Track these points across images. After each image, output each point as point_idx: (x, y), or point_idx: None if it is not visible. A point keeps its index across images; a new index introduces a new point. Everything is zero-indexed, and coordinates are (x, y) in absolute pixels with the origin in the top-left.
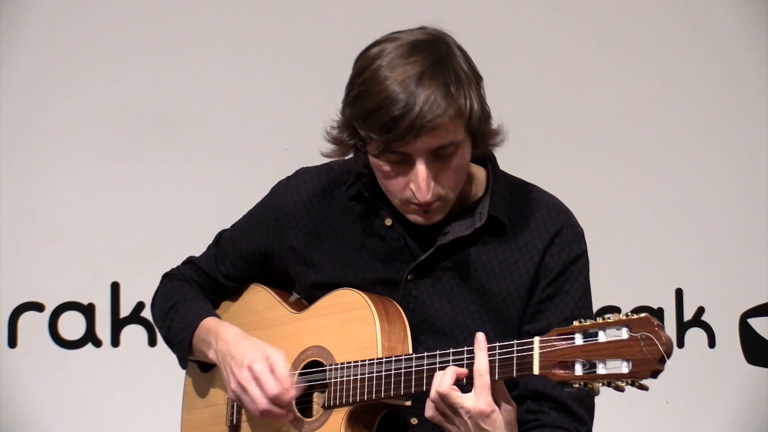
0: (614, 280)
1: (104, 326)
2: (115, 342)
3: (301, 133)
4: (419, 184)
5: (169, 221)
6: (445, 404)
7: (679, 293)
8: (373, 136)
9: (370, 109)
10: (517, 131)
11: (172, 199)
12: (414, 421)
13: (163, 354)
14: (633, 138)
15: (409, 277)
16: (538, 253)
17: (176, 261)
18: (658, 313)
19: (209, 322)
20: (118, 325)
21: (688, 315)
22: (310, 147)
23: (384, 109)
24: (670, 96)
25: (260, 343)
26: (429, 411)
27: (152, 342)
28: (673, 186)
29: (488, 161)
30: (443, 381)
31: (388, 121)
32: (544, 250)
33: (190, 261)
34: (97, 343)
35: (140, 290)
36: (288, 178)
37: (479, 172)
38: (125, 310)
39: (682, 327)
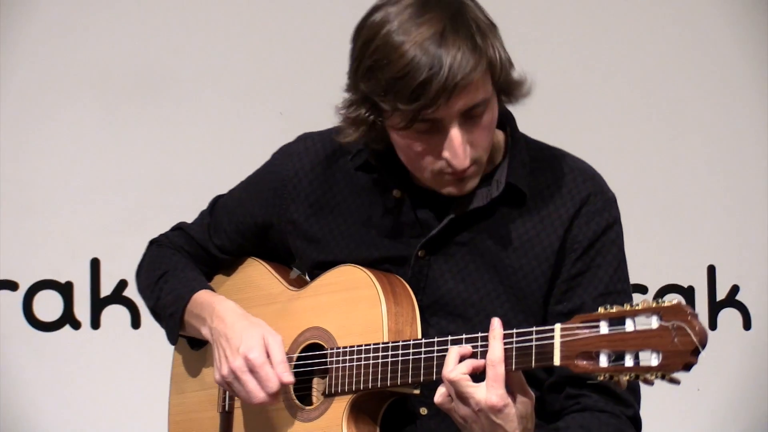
0: (641, 257)
1: (83, 306)
2: (95, 324)
3: (297, 96)
4: (456, 150)
5: (154, 192)
6: (455, 392)
7: (711, 270)
8: (400, 106)
9: (392, 78)
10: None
11: (157, 169)
12: (423, 411)
13: (148, 337)
14: (663, 109)
15: (419, 253)
16: (562, 224)
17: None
18: (689, 292)
19: (203, 296)
20: (98, 305)
21: (721, 294)
22: (307, 111)
23: (408, 76)
24: (696, 67)
25: (259, 325)
26: (438, 397)
27: (135, 324)
28: (704, 157)
29: (507, 123)
30: (457, 367)
31: (415, 87)
32: (570, 221)
33: (180, 228)
34: (76, 325)
35: (122, 267)
36: (289, 144)
37: (497, 136)
38: (106, 289)
39: (715, 307)
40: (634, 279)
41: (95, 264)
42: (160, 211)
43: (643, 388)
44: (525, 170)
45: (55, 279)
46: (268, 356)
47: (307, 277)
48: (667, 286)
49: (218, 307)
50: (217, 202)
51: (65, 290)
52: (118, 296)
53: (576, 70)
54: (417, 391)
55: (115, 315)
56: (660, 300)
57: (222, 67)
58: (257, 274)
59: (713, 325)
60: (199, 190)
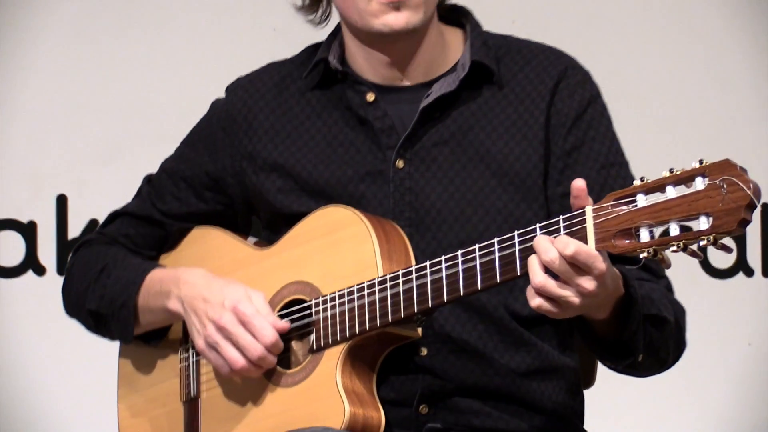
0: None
1: (48, 249)
2: (62, 269)
3: (291, 11)
4: None
5: (131, 119)
6: (575, 268)
7: (765, 209)
8: None
9: None
10: None
11: (134, 92)
12: (424, 351)
13: None
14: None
15: (398, 163)
16: (543, 99)
17: (137, 168)
18: (740, 237)
19: (160, 272)
20: (65, 247)
21: None
22: (302, 27)
23: None
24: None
25: (236, 282)
26: (534, 300)
27: None
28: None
29: (465, 21)
30: (568, 242)
31: None
32: (551, 95)
33: (114, 216)
34: (40, 271)
35: (92, 205)
36: (227, 89)
37: (455, 36)
38: (74, 230)
39: None
40: None
41: (62, 201)
42: (137, 142)
43: (696, 340)
44: (490, 52)
45: (16, 218)
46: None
47: (266, 242)
48: None
49: (184, 275)
50: (152, 175)
51: (28, 231)
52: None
53: None
54: (420, 332)
55: None
56: (703, 161)
57: None
58: (215, 242)
59: (766, 271)
60: (184, 116)
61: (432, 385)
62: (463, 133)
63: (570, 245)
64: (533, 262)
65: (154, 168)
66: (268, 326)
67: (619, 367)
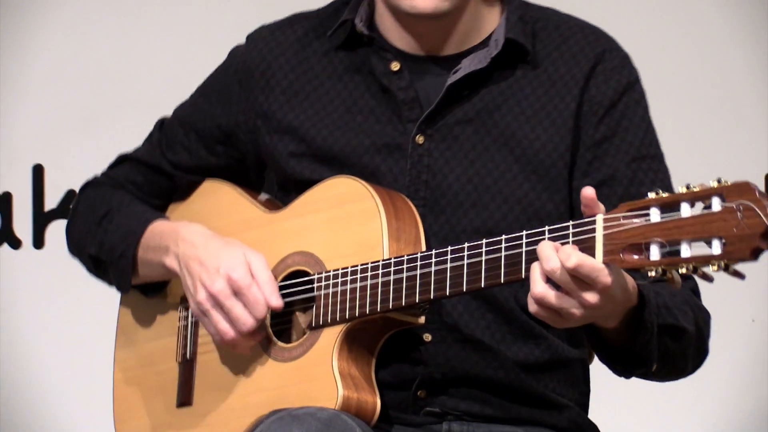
0: (694, 165)
1: (24, 221)
2: (39, 242)
3: None
4: None
5: (108, 86)
6: (578, 281)
7: None
8: None
9: None
10: None
11: (111, 58)
12: (427, 337)
13: None
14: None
15: (417, 138)
16: (577, 83)
17: (116, 136)
18: None
19: (161, 225)
20: (42, 219)
21: None
22: None
23: None
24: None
25: (236, 244)
26: (533, 307)
27: None
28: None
29: None
30: (571, 254)
31: None
32: (585, 80)
33: (122, 159)
34: (15, 243)
35: (70, 175)
36: (247, 38)
37: (492, 7)
38: (51, 201)
39: None
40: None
41: (38, 171)
42: (116, 109)
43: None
44: (526, 27)
45: None
46: (253, 277)
47: (279, 202)
48: None
49: (183, 231)
50: (164, 120)
51: (2, 202)
52: (65, 210)
53: None
54: (423, 320)
55: (61, 232)
56: (722, 180)
57: None
58: (225, 199)
59: None
60: (163, 82)
61: (433, 372)
62: (489, 113)
63: (572, 257)
64: (535, 269)
65: (133, 136)
66: (262, 300)
67: (630, 375)
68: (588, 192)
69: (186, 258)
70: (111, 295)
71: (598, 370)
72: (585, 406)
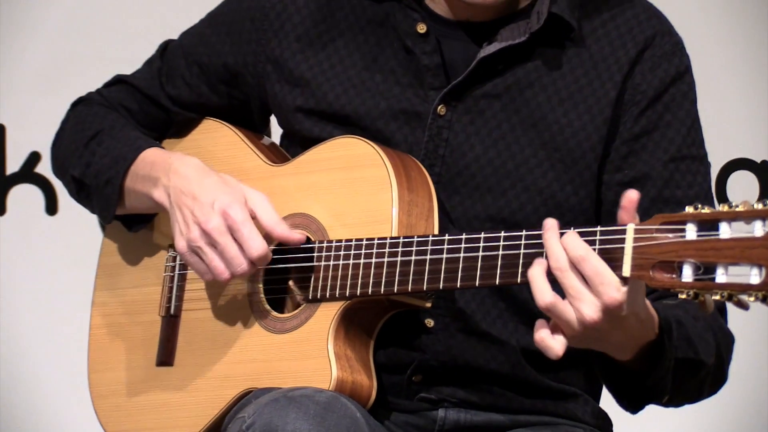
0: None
1: None
2: (1, 207)
3: None
4: None
5: (79, 39)
6: (582, 275)
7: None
8: None
9: None
10: None
11: (75, 11)
12: (430, 323)
13: (67, 224)
14: None
15: (439, 109)
16: (620, 69)
17: (73, 91)
18: None
19: (153, 153)
20: (3, 184)
21: None
22: None
23: None
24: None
25: (233, 181)
26: (546, 296)
27: (51, 209)
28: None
29: None
30: (578, 243)
31: None
32: (630, 66)
33: (119, 80)
34: None
35: (34, 136)
36: None
37: None
38: (13, 164)
39: None
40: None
41: None
42: (85, 66)
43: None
44: (574, 1)
45: None
46: (255, 216)
47: (284, 150)
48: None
49: (176, 163)
50: (168, 45)
51: None
52: (28, 173)
53: None
54: (429, 304)
55: (25, 197)
56: (766, 202)
57: None
58: (224, 141)
59: None
60: (131, 38)
61: (432, 360)
62: (520, 90)
63: (581, 247)
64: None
65: None
66: (258, 237)
67: (636, 411)
68: (632, 195)
69: (177, 192)
70: (78, 265)
71: None
72: (597, 394)
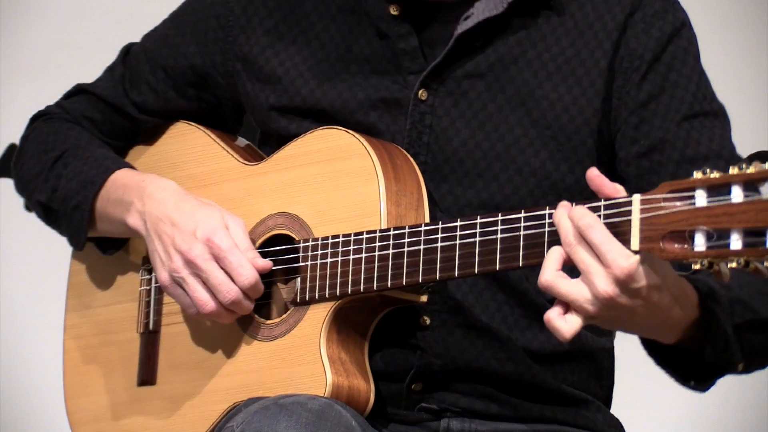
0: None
1: None
2: None
3: None
4: None
5: (59, 27)
6: (591, 247)
7: None
8: None
9: None
10: None
11: None
12: (427, 320)
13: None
14: None
15: (420, 94)
16: (609, 35)
17: (68, 83)
18: None
19: (124, 176)
20: None
21: None
22: None
23: None
24: None
25: (212, 205)
26: (546, 273)
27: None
28: None
29: None
30: (585, 212)
31: None
32: (619, 32)
33: (81, 90)
34: None
35: (13, 126)
36: None
37: None
38: None
39: None
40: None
41: None
42: (67, 52)
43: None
44: None
45: None
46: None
47: (260, 150)
48: None
49: (150, 187)
50: (129, 49)
51: None
52: (4, 167)
53: None
54: (425, 298)
55: (2, 191)
56: None
57: None
58: (197, 144)
59: None
60: (118, 21)
61: (431, 364)
62: (504, 67)
63: (587, 216)
64: (552, 253)
65: (79, 81)
66: (247, 264)
67: (706, 388)
68: (592, 173)
69: (154, 219)
70: (60, 263)
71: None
72: (608, 400)
